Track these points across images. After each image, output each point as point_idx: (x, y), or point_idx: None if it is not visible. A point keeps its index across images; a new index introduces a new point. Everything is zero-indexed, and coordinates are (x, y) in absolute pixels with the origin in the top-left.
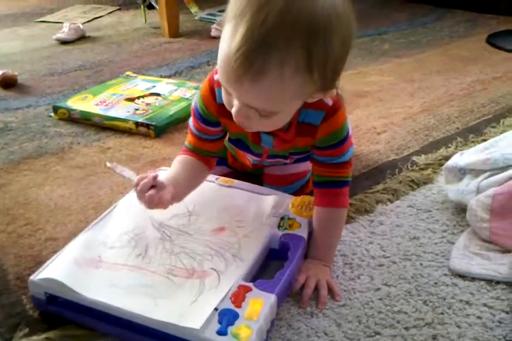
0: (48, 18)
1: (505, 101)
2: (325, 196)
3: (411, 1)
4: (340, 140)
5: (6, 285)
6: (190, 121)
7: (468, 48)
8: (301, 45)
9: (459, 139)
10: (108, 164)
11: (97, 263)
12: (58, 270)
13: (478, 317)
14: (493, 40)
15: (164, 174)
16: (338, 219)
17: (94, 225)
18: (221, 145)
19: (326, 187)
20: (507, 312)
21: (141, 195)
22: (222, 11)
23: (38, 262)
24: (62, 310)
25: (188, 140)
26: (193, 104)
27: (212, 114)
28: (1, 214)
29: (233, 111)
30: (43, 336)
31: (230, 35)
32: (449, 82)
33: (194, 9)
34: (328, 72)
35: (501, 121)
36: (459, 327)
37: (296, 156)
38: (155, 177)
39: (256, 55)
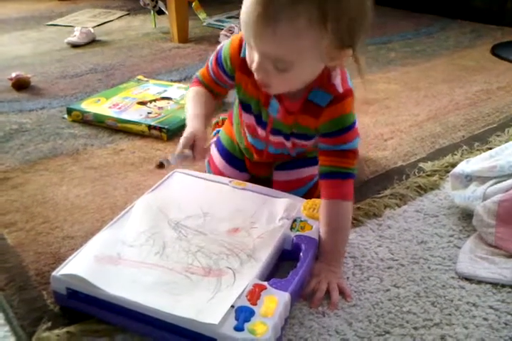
0: (58, 21)
1: (510, 111)
2: (329, 188)
3: (416, 11)
4: (346, 127)
5: (27, 281)
6: (211, 61)
7: (473, 58)
8: (315, 12)
9: (464, 147)
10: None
11: (116, 260)
12: (80, 266)
13: (485, 319)
14: (497, 51)
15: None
16: (343, 213)
17: (112, 224)
18: (225, 92)
19: (330, 178)
20: None
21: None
22: (230, 17)
23: (57, 259)
24: (82, 305)
25: (202, 74)
26: (218, 47)
27: (233, 66)
28: (19, 212)
29: (253, 65)
30: (65, 330)
31: None
32: (454, 91)
33: (202, 15)
34: (342, 27)
35: (506, 129)
36: (466, 328)
37: (297, 141)
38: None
39: (272, 4)
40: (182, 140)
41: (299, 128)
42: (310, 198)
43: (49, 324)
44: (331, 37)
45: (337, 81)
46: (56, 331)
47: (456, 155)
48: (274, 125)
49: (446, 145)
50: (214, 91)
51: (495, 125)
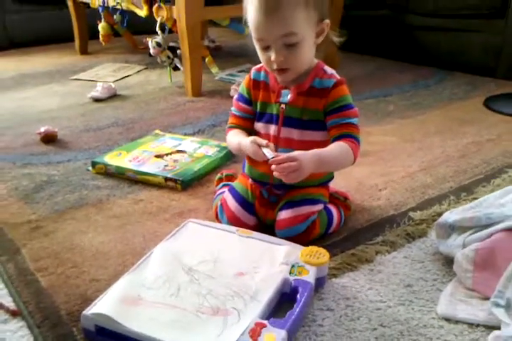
0: (81, 76)
1: (496, 163)
2: (339, 139)
3: (415, 63)
4: (348, 104)
5: (59, 319)
6: (233, 107)
7: (466, 110)
8: None
9: (451, 197)
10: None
11: (137, 301)
12: (107, 306)
13: None
14: (489, 104)
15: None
16: (347, 150)
17: (134, 269)
18: (252, 125)
19: (340, 138)
20: None
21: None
22: (241, 71)
23: (85, 300)
24: (108, 340)
25: (230, 122)
26: (236, 95)
27: (248, 88)
28: (50, 258)
29: (273, 56)
30: None
31: (251, 4)
32: (446, 143)
33: (215, 70)
34: (317, 6)
35: (492, 181)
36: None
37: (306, 133)
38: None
39: (271, 2)
40: (252, 144)
41: (308, 112)
42: (308, 237)
43: None
44: (313, 10)
45: (332, 72)
46: None
47: (443, 205)
48: (286, 112)
49: (435, 196)
50: (244, 128)
51: (482, 176)
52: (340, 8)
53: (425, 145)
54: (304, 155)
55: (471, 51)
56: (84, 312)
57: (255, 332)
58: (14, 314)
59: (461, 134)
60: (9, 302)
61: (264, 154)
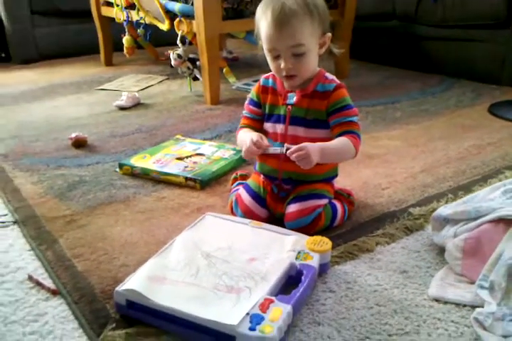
0: (106, 86)
1: (495, 164)
2: (342, 135)
3: (424, 71)
4: (348, 104)
5: (94, 297)
6: (244, 110)
7: (470, 117)
8: (304, 8)
9: (450, 195)
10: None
11: (162, 280)
12: (136, 283)
13: (446, 330)
14: (493, 110)
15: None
16: (348, 143)
17: (159, 254)
18: (261, 125)
19: (343, 135)
20: (468, 327)
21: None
22: (257, 81)
23: (116, 281)
24: (138, 313)
25: (241, 122)
26: (247, 100)
27: (258, 93)
28: (85, 246)
29: (282, 64)
30: (124, 331)
31: (264, 20)
32: (448, 146)
33: (232, 79)
34: (320, 22)
35: (488, 180)
36: (429, 335)
37: (310, 131)
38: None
39: (283, 16)
40: (253, 143)
41: (312, 113)
42: (314, 228)
43: (114, 325)
44: (317, 25)
45: (333, 78)
46: (118, 332)
47: (441, 202)
48: (292, 112)
49: (434, 194)
50: (254, 127)
51: (479, 177)
52: (350, 21)
53: (428, 148)
54: (311, 145)
55: (477, 60)
56: (116, 288)
57: (264, 305)
58: (54, 293)
59: (464, 138)
60: (49, 284)
61: (273, 150)
